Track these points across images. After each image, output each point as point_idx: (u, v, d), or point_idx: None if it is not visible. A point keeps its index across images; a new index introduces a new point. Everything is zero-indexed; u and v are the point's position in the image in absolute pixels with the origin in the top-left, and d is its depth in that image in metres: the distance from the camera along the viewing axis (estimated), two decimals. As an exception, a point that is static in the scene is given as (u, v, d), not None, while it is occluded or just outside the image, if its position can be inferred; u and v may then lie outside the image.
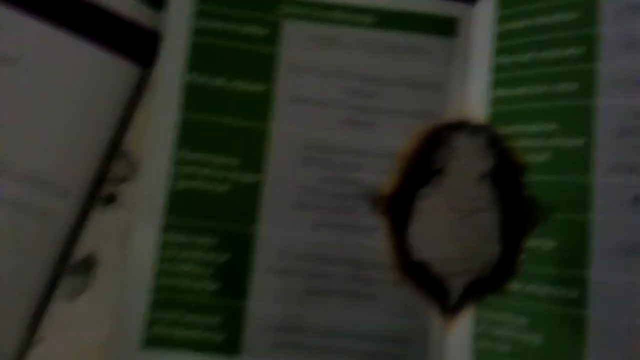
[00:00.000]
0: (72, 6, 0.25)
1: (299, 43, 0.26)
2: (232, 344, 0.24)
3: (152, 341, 0.24)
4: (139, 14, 0.26)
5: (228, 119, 0.25)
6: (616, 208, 0.22)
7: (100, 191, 0.26)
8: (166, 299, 0.24)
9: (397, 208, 0.25)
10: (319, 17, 0.26)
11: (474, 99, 0.26)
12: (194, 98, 0.25)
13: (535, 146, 0.24)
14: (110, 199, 0.26)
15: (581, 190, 0.23)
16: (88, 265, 0.25)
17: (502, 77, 0.25)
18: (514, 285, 0.24)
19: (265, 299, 0.24)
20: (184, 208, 0.25)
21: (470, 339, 0.24)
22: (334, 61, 0.26)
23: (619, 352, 0.21)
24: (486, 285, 0.24)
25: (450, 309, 0.24)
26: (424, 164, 0.25)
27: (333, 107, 0.26)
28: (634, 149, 0.22)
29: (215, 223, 0.25)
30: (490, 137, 0.25)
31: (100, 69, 0.26)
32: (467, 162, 0.25)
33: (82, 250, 0.25)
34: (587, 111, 0.23)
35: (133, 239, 0.24)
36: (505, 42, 0.25)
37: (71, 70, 0.25)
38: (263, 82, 0.26)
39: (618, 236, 0.22)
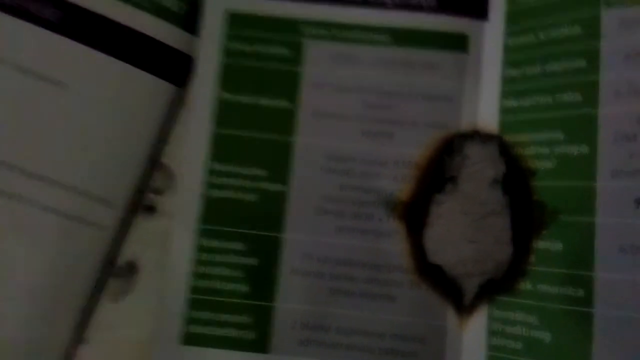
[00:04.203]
0: (115, 32, 0.27)
1: (320, 62, 0.27)
2: (262, 341, 0.26)
3: (190, 339, 0.26)
4: (175, 38, 0.28)
5: (256, 133, 0.27)
6: (619, 210, 0.23)
7: (141, 202, 0.28)
8: (202, 299, 0.26)
9: (414, 214, 0.26)
10: (338, 37, 0.28)
11: (485, 109, 0.27)
12: (225, 114, 0.27)
13: (542, 153, 0.25)
14: (151, 209, 0.28)
15: (586, 194, 0.24)
16: (131, 270, 0.27)
17: (511, 88, 0.26)
18: (525, 285, 0.25)
19: (291, 300, 0.26)
20: (217, 215, 0.26)
21: (485, 337, 0.25)
22: (352, 77, 0.27)
23: (624, 347, 0.22)
24: (499, 286, 0.25)
25: (465, 309, 0.26)
26: (438, 172, 0.26)
27: (352, 120, 0.27)
28: (634, 155, 0.23)
29: (246, 229, 0.26)
30: (500, 145, 0.26)
31: (140, 89, 0.27)
32: (479, 169, 0.26)
33: (125, 256, 0.27)
34: (591, 120, 0.24)
35: (172, 244, 0.26)
36: (514, 56, 0.26)
37: (114, 90, 0.27)
38: (287, 98, 0.27)
39: (621, 237, 0.23)
